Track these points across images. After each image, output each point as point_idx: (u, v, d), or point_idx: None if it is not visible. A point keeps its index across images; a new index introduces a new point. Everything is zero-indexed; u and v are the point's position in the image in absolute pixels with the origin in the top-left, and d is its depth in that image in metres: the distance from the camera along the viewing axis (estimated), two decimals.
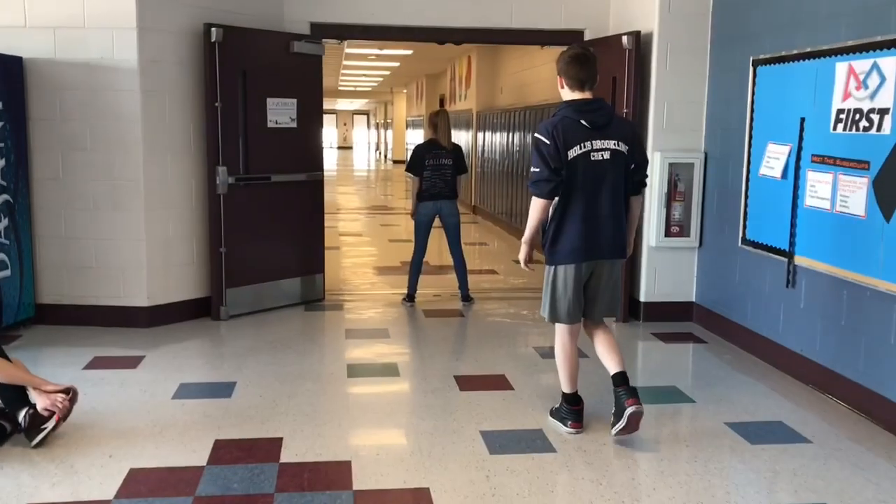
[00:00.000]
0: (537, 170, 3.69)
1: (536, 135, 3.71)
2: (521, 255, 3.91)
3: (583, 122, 3.68)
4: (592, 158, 3.69)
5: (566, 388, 3.99)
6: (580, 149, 3.67)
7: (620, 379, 3.82)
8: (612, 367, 3.86)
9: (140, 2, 5.53)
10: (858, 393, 4.25)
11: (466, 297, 6.83)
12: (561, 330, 3.95)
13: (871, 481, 3.48)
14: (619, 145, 3.73)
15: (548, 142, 3.64)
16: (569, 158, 3.65)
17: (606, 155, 3.71)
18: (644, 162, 3.90)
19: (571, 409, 3.97)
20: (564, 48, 3.90)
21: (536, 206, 3.74)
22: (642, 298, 6.15)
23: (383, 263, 8.99)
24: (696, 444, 3.85)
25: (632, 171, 3.82)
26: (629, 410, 3.70)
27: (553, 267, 3.84)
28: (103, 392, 4.48)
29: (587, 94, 3.77)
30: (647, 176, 3.96)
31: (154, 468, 3.51)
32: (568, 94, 3.81)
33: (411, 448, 3.77)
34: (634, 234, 4.06)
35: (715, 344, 5.63)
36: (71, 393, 3.78)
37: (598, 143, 3.69)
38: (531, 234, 3.83)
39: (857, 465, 3.64)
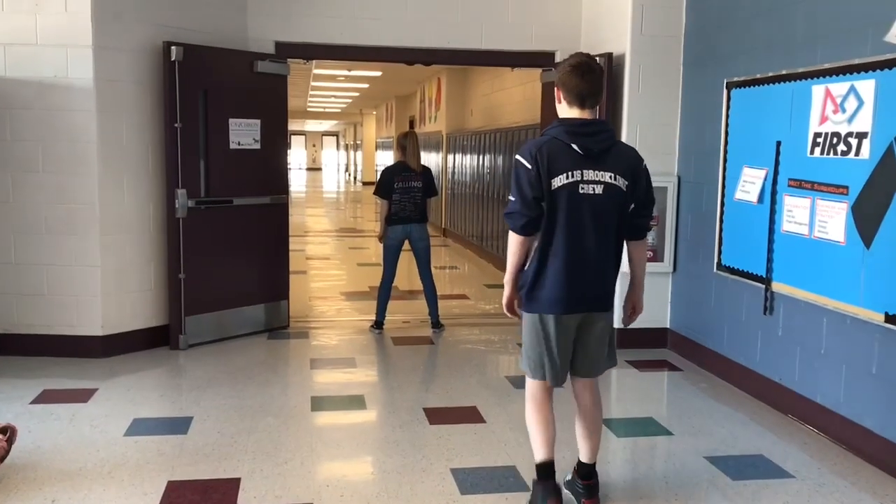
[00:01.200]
0: (512, 199, 3.12)
1: (518, 156, 3.12)
2: (505, 299, 3.28)
3: (574, 146, 3.07)
4: (581, 191, 3.07)
5: (540, 456, 3.28)
6: (566, 178, 3.06)
7: (586, 472, 3.38)
8: (584, 456, 3.39)
9: (96, 19, 5.31)
10: (840, 424, 4.12)
11: (436, 324, 6.65)
12: (535, 386, 3.29)
13: None
14: (615, 179, 3.10)
15: (529, 166, 3.05)
16: (552, 188, 3.06)
17: (599, 189, 3.09)
18: (649, 202, 3.26)
19: (546, 486, 3.27)
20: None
21: (512, 242, 3.17)
22: (615, 325, 5.99)
23: (351, 288, 8.78)
24: (676, 481, 3.70)
25: (631, 211, 3.21)
26: None
27: (530, 315, 3.25)
28: (51, 428, 4.22)
29: (586, 114, 3.15)
30: (651, 218, 3.34)
31: None
32: (564, 111, 3.19)
33: (377, 489, 3.56)
34: (643, 290, 3.45)
35: (690, 372, 5.50)
36: (8, 433, 3.53)
37: (589, 174, 3.08)
38: (512, 272, 3.24)
39: (842, 501, 3.50)
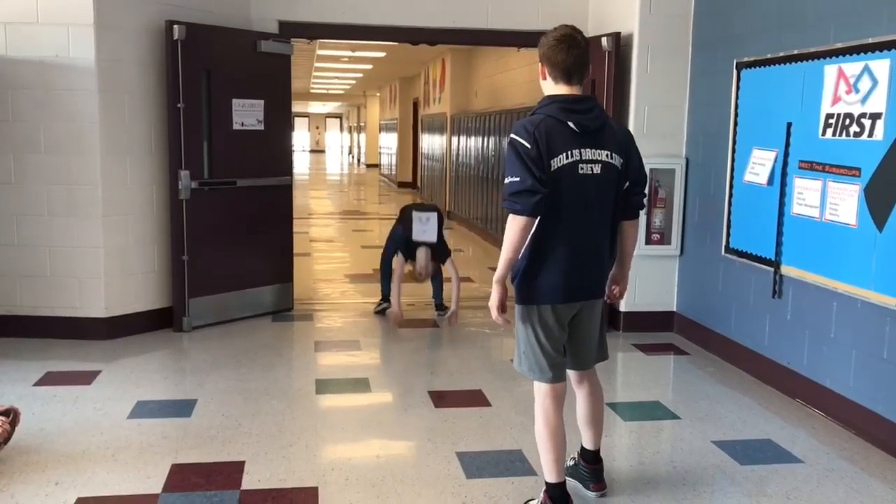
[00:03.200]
0: (516, 179, 2.84)
1: (514, 136, 2.89)
2: (493, 302, 2.95)
3: (570, 124, 2.89)
4: (580, 171, 2.91)
5: (551, 477, 3.08)
6: (566, 158, 2.88)
7: (592, 457, 3.34)
8: (588, 443, 3.33)
9: None
10: (849, 409, 4.08)
11: (441, 307, 6.61)
12: (542, 392, 3.08)
13: None
14: (612, 157, 2.97)
15: (528, 145, 2.83)
16: (552, 169, 2.86)
17: (597, 168, 2.94)
18: (642, 179, 3.13)
19: None
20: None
21: (516, 227, 2.85)
22: (622, 308, 5.97)
23: (355, 270, 8.73)
24: (683, 465, 3.66)
25: (626, 189, 3.07)
26: (593, 495, 3.30)
27: (525, 307, 3.05)
28: (54, 411, 4.19)
29: (575, 90, 2.98)
30: (644, 196, 3.19)
31: (104, 497, 3.24)
32: (550, 88, 3.00)
33: (383, 473, 3.53)
34: (629, 269, 3.30)
35: (697, 356, 5.46)
36: (11, 415, 3.50)
37: (587, 153, 2.92)
38: (506, 270, 2.93)
39: (851, 486, 3.47)
